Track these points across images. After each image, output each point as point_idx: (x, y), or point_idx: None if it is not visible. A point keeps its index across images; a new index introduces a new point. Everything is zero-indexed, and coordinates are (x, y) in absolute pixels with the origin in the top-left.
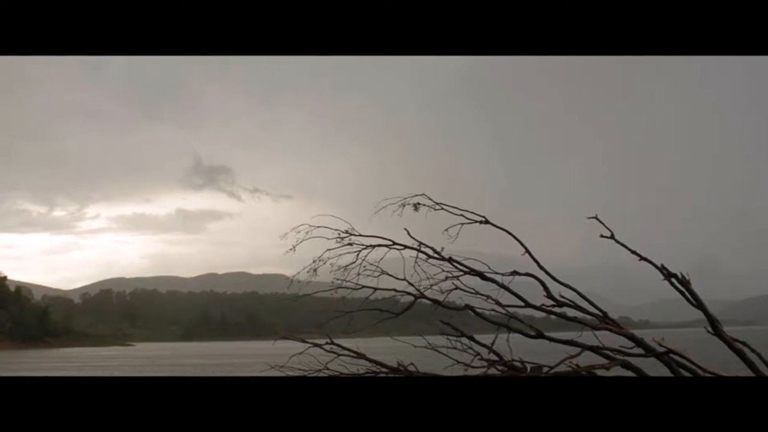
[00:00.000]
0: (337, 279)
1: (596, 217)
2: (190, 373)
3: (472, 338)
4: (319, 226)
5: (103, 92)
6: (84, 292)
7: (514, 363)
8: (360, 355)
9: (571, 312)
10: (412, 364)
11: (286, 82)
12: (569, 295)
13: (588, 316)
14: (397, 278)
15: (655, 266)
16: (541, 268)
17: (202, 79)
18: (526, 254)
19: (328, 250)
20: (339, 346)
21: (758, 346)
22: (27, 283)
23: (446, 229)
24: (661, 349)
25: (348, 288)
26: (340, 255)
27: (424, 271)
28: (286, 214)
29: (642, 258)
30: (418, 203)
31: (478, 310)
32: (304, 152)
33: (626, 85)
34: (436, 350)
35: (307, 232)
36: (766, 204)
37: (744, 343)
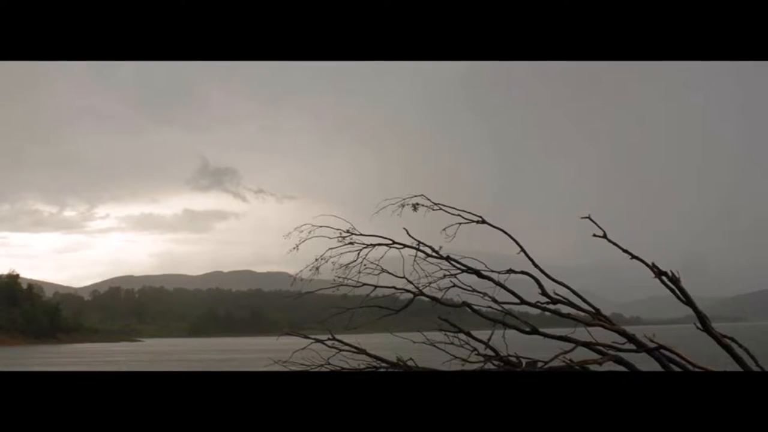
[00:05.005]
0: (339, 277)
1: (589, 217)
2: (196, 368)
3: (469, 334)
4: (321, 226)
5: (113, 96)
6: (94, 290)
7: (510, 358)
8: (361, 351)
9: (565, 309)
10: (411, 359)
11: (289, 86)
12: (563, 292)
13: (581, 313)
14: (397, 276)
15: (646, 264)
16: (536, 266)
17: (208, 83)
18: (522, 253)
19: (330, 249)
20: (340, 341)
21: (745, 342)
22: (38, 280)
23: (444, 229)
24: (652, 345)
25: (349, 286)
26: (341, 254)
27: (423, 270)
28: (289, 214)
29: (633, 257)
30: (417, 203)
31: (475, 307)
32: (307, 154)
33: (617, 89)
34: (435, 346)
35: (309, 232)
36: (753, 204)
37: (732, 339)
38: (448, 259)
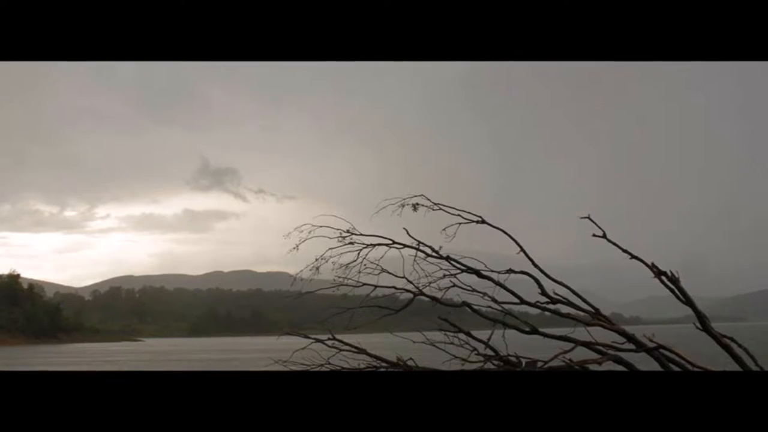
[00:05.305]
0: (339, 277)
1: (589, 217)
2: (196, 368)
3: (469, 334)
4: (321, 226)
5: (113, 96)
6: (94, 290)
7: (510, 358)
8: (361, 351)
9: (564, 309)
10: (411, 359)
11: (289, 86)
12: (563, 292)
13: (581, 313)
14: (397, 276)
15: (646, 264)
16: (536, 266)
17: (208, 83)
18: (521, 253)
19: (330, 248)
20: (340, 341)
21: (745, 342)
22: (39, 280)
23: (444, 229)
24: (652, 345)
25: (349, 285)
26: (341, 254)
27: (423, 270)
28: (289, 214)
29: (633, 257)
30: (417, 204)
31: (474, 307)
32: (307, 154)
33: (617, 89)
34: (435, 346)
35: (309, 232)
36: (752, 204)
37: (731, 339)
38: (448, 259)
